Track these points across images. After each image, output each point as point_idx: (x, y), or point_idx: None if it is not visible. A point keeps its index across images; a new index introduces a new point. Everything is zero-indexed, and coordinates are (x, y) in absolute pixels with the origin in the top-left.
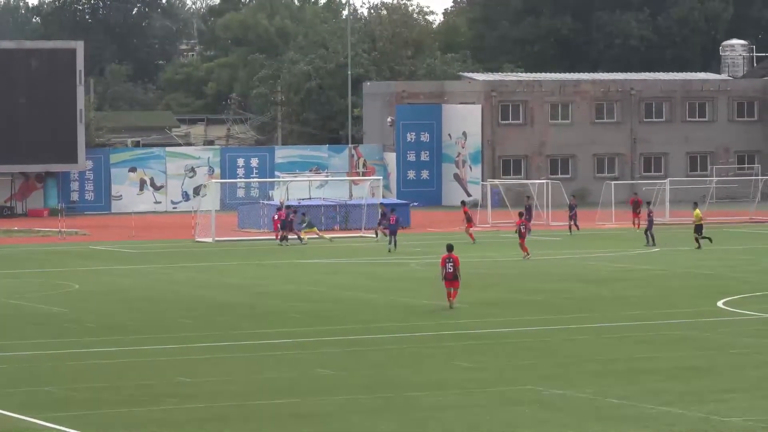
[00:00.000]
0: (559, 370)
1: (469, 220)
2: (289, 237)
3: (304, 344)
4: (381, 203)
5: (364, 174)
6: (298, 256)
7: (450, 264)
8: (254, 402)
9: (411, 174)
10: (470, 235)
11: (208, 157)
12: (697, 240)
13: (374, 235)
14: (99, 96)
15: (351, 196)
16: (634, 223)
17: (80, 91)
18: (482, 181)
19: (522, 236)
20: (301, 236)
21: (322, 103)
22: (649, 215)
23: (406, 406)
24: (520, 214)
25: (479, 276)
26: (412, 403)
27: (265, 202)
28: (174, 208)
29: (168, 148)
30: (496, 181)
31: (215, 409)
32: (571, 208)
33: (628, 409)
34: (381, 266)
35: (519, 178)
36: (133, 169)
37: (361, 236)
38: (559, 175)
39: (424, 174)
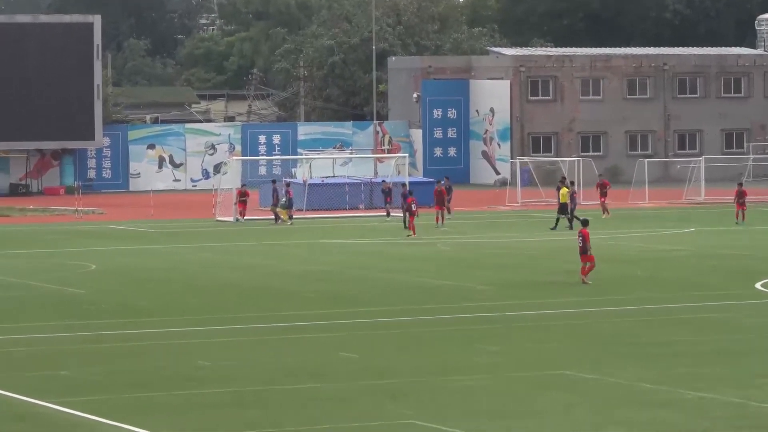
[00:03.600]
0: (591, 353)
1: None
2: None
3: (328, 327)
4: (384, 181)
5: (389, 151)
6: (319, 236)
7: (580, 238)
8: (275, 387)
9: (438, 151)
10: (605, 210)
11: (229, 134)
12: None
13: (385, 215)
14: (117, 71)
15: (376, 174)
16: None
17: (97, 66)
18: (511, 158)
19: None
20: (282, 215)
21: (345, 78)
22: (572, 195)
23: (431, 391)
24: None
25: (507, 256)
26: (437, 388)
27: (288, 179)
28: (194, 186)
29: (188, 125)
30: (526, 159)
31: (234, 394)
32: (602, 188)
33: (662, 395)
34: (406, 246)
35: (549, 156)
36: (151, 146)
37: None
38: (590, 153)
39: (451, 151)
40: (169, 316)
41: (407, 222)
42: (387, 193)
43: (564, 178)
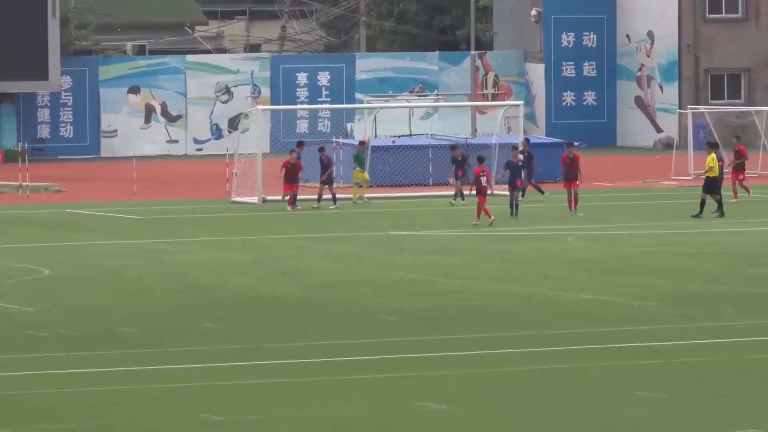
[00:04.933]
0: None
1: (741, 169)
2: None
3: (398, 363)
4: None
5: (494, 97)
6: (386, 226)
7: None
8: None
9: (568, 97)
10: (745, 187)
11: (252, 71)
12: None
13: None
14: None
15: (475, 131)
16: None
17: None
18: (680, 108)
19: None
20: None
21: None
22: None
23: None
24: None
25: (671, 256)
26: None
27: (342, 140)
28: (198, 150)
29: (189, 57)
30: (702, 109)
31: None
32: (738, 157)
33: None
34: (518, 241)
35: (737, 104)
36: (134, 90)
37: (491, 194)
38: None
39: (589, 97)
40: (158, 347)
41: (471, 201)
42: (459, 163)
43: (738, 137)
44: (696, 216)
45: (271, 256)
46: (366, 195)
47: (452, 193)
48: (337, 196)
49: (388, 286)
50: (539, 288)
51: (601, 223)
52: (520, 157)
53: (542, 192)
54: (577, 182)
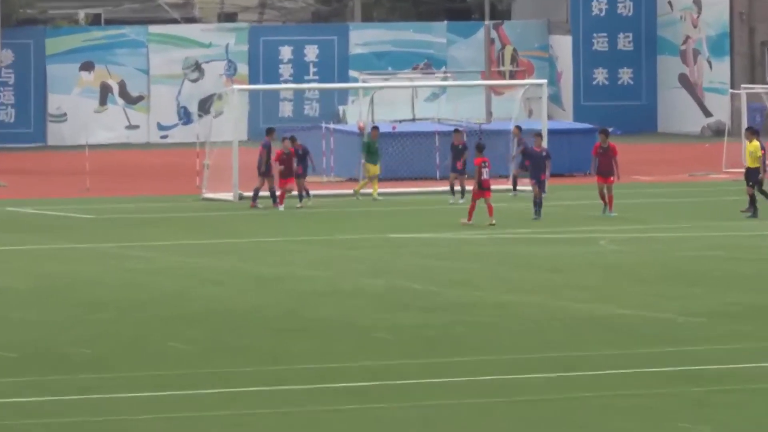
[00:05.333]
0: None
1: None
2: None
3: (398, 391)
4: (457, 130)
5: (513, 75)
6: (384, 227)
7: None
8: None
9: (599, 75)
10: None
11: (227, 45)
12: None
13: (454, 192)
14: None
15: (489, 115)
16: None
17: None
18: (731, 88)
19: None
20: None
21: None
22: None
23: None
24: None
25: (719, 262)
26: None
27: (332, 125)
28: (163, 137)
29: (152, 28)
30: (758, 88)
31: None
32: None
33: None
34: (541, 245)
35: None
36: (87, 66)
37: (509, 189)
38: None
39: (624, 75)
40: (120, 371)
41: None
42: (460, 152)
43: None
44: (748, 214)
45: (248, 262)
46: (364, 190)
47: (450, 189)
48: (332, 192)
49: (386, 298)
50: (566, 300)
51: (639, 223)
52: (544, 145)
53: (515, 189)
54: (613, 178)
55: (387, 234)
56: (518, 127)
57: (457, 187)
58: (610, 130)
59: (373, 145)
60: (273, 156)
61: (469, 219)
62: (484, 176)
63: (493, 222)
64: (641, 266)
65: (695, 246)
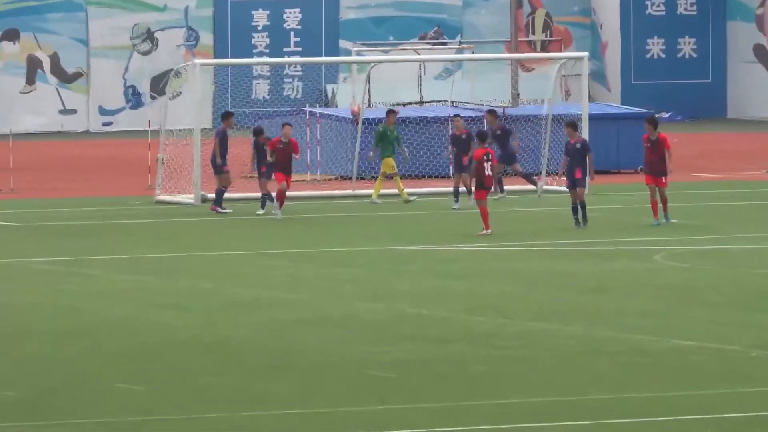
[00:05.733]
0: None
1: None
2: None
3: None
4: (457, 116)
5: (546, 47)
6: (384, 236)
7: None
8: None
9: (655, 46)
10: None
11: (186, 8)
12: None
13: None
14: None
15: (517, 97)
16: None
17: None
18: None
19: None
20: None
21: None
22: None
23: None
24: None
25: None
26: None
27: (319, 110)
28: (107, 124)
29: None
30: None
31: None
32: None
33: None
34: (580, 260)
35: None
36: (11, 35)
37: (542, 189)
38: None
39: (686, 46)
40: (53, 419)
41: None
42: (464, 143)
43: None
44: None
45: (214, 282)
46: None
47: (454, 193)
48: (318, 194)
49: (385, 327)
50: (613, 330)
51: (704, 232)
52: (580, 136)
53: (502, 191)
54: (665, 178)
55: (388, 246)
56: (492, 112)
57: (464, 188)
58: (666, 116)
59: (392, 133)
60: (254, 146)
61: (487, 227)
62: (488, 172)
63: (489, 231)
64: (707, 287)
65: None
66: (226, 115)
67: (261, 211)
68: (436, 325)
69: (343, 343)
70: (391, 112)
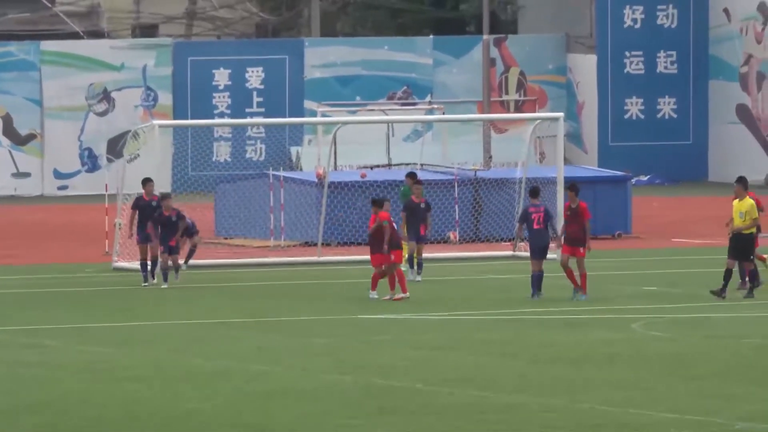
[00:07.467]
0: None
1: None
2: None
3: None
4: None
5: (520, 107)
6: (353, 305)
7: None
8: None
9: (632, 106)
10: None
11: (144, 67)
12: None
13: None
14: None
15: (489, 159)
16: None
17: None
18: None
19: None
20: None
21: None
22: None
23: None
24: None
25: None
26: None
27: (283, 173)
28: (62, 188)
29: (46, 44)
30: None
31: None
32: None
33: None
34: (558, 329)
35: None
36: None
37: (513, 255)
38: None
39: (665, 106)
40: None
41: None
42: (422, 212)
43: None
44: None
45: (176, 352)
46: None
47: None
48: (282, 260)
49: (355, 400)
50: (594, 402)
51: (683, 300)
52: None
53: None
54: (583, 249)
55: (357, 315)
56: (412, 175)
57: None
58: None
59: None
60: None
61: (404, 290)
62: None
63: (406, 296)
64: (689, 357)
65: (759, 331)
66: (145, 182)
67: (164, 285)
68: (407, 398)
69: (311, 417)
70: (411, 177)
